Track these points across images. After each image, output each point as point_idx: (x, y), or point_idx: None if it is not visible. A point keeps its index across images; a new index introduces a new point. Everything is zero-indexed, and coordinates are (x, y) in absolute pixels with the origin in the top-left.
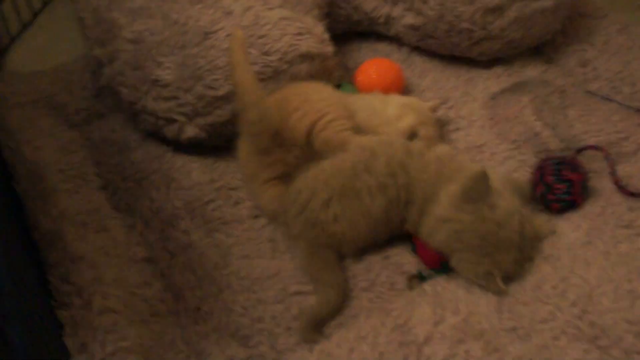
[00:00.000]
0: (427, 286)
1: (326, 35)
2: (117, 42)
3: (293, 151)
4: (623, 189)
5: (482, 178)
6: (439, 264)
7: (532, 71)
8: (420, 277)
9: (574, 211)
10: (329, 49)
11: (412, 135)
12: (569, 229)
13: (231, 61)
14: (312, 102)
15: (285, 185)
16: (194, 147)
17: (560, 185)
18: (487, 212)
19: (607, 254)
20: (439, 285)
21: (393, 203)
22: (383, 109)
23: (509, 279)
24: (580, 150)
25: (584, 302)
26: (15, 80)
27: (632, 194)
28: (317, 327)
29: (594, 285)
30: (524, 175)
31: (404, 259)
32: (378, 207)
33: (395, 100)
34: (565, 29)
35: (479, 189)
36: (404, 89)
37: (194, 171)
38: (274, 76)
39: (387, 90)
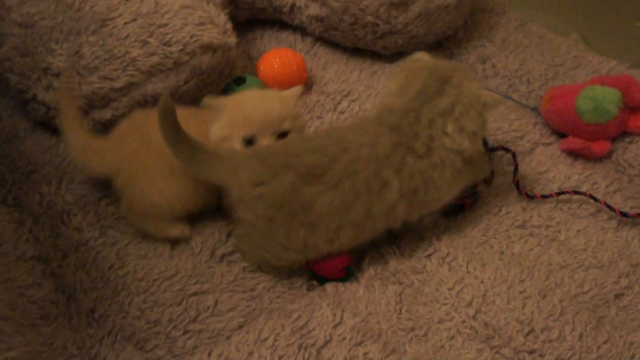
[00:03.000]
0: (328, 285)
1: (229, 25)
2: (4, 25)
3: None
4: (521, 190)
5: None
6: (344, 272)
7: None
8: (320, 280)
9: (473, 210)
10: (232, 39)
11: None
12: (467, 228)
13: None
14: None
15: None
16: None
17: None
18: None
19: (501, 254)
20: (340, 284)
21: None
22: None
23: None
24: (491, 150)
25: (478, 303)
26: None
27: (527, 196)
28: None
29: (489, 285)
30: None
31: None
32: None
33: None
34: (467, 24)
35: None
36: (307, 81)
37: None
38: (174, 68)
39: (289, 81)
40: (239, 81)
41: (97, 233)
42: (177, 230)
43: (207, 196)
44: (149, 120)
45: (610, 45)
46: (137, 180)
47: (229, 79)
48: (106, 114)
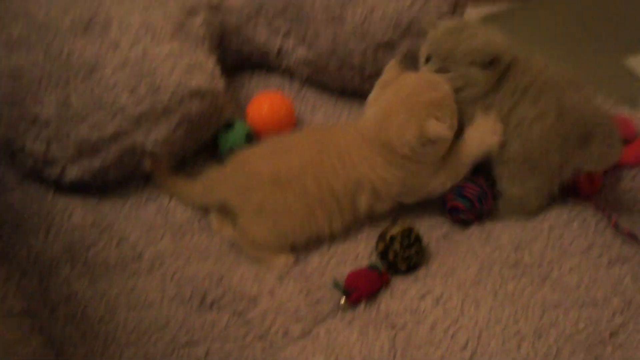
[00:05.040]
0: (320, 331)
1: (217, 71)
2: None
3: None
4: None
5: None
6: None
7: None
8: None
9: (466, 251)
10: (220, 85)
11: None
12: (461, 268)
13: None
14: None
15: None
16: (78, 187)
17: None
18: None
19: (495, 294)
20: (333, 329)
21: None
22: None
23: None
24: None
25: (474, 345)
26: None
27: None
28: None
29: (483, 326)
30: None
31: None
32: None
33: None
34: None
35: None
36: (295, 124)
37: (75, 213)
38: (164, 114)
39: (278, 125)
40: (227, 126)
41: (86, 284)
42: (281, 260)
43: (313, 228)
44: (253, 157)
45: (595, 82)
46: (244, 215)
47: (217, 125)
48: (95, 163)
